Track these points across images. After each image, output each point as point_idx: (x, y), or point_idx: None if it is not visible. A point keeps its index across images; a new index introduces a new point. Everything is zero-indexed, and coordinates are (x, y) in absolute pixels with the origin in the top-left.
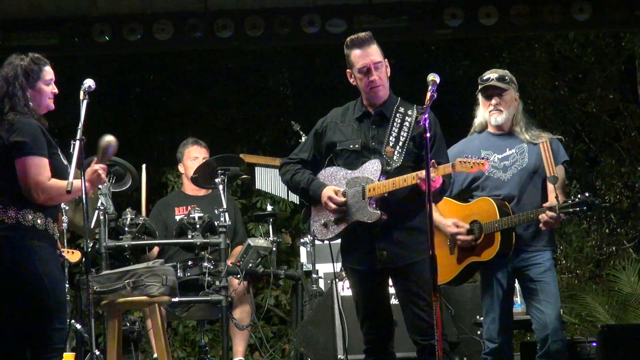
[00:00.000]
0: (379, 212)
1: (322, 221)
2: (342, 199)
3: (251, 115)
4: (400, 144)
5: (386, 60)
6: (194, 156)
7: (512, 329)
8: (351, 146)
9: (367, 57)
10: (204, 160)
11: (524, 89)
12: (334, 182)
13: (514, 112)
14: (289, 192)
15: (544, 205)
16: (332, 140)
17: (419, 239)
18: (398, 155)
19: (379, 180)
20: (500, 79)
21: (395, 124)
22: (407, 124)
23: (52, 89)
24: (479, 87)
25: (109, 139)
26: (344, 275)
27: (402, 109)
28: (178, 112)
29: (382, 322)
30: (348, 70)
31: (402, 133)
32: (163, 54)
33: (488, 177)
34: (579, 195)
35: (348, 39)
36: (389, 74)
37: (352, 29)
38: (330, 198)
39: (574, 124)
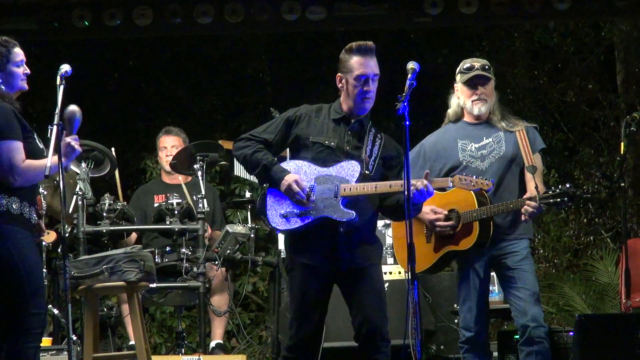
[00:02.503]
0: (353, 212)
1: (282, 211)
2: (307, 185)
3: (230, 102)
4: (374, 157)
5: None
6: (162, 146)
7: (488, 317)
8: (326, 142)
9: (369, 67)
10: (183, 147)
11: (503, 78)
12: (301, 176)
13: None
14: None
15: (525, 196)
16: (305, 132)
17: (375, 247)
18: (371, 166)
19: (355, 182)
20: (483, 68)
21: (369, 138)
22: (377, 143)
23: (24, 69)
24: (463, 75)
25: (73, 108)
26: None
27: (373, 130)
28: (157, 98)
29: (317, 323)
30: (339, 74)
31: (374, 149)
32: (143, 40)
33: (466, 167)
34: (560, 186)
35: (353, 43)
36: None
37: (332, 16)
38: (296, 181)
39: (552, 113)
